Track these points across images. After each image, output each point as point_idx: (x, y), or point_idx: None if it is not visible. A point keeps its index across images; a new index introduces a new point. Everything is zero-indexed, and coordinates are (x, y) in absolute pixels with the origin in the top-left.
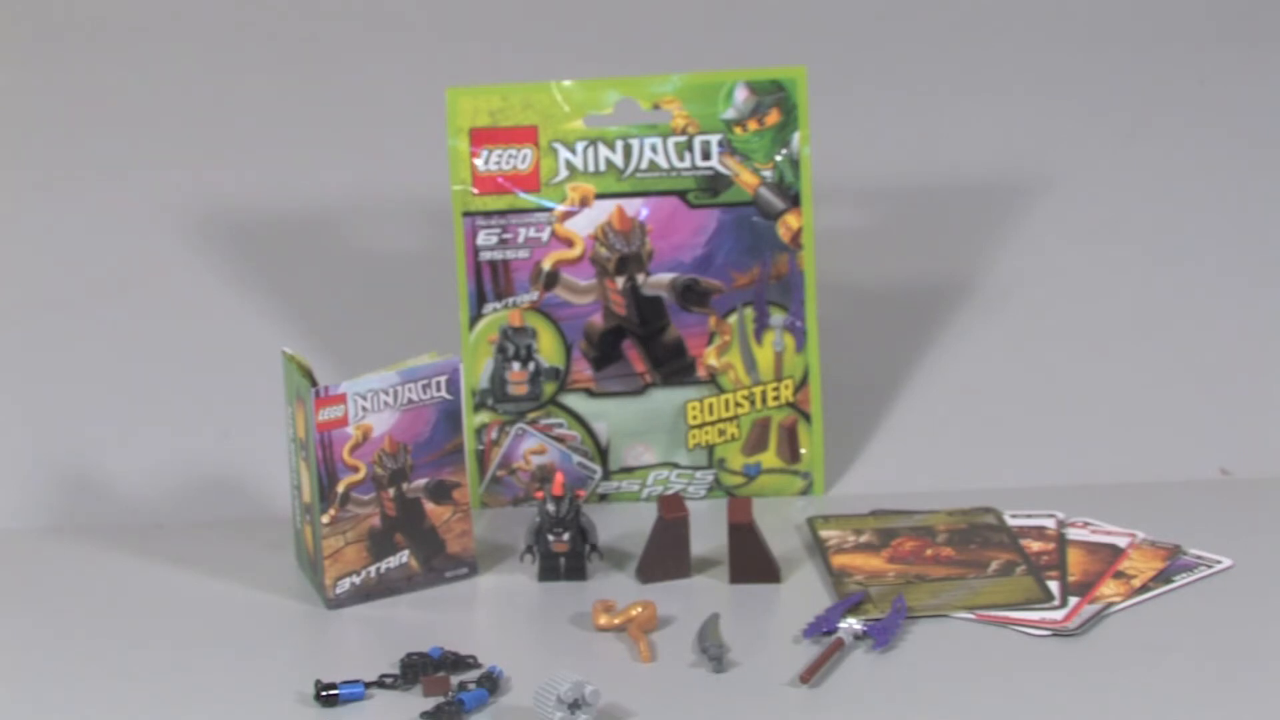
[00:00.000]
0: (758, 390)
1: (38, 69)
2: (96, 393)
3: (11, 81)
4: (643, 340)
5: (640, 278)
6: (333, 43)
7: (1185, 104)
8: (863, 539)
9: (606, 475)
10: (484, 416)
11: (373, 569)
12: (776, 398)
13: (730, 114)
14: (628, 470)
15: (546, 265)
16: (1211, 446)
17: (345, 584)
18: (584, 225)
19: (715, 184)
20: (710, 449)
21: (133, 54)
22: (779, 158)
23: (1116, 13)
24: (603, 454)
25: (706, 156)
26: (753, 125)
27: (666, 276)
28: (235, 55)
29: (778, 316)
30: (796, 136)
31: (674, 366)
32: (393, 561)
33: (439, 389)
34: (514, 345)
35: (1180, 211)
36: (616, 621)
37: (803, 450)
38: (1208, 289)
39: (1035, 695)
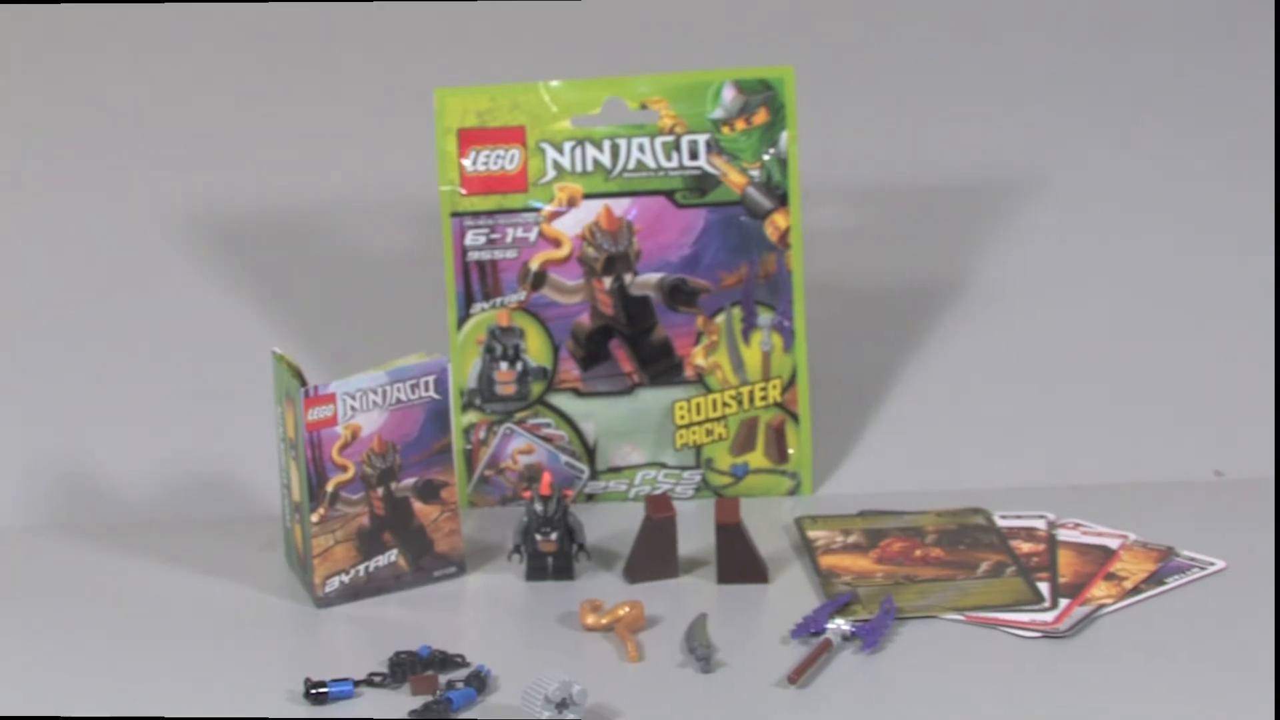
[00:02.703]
0: (745, 390)
1: (31, 71)
2: (87, 392)
3: (6, 83)
4: (630, 340)
5: (628, 278)
6: (321, 44)
7: (1177, 103)
8: (851, 539)
9: (594, 475)
10: (472, 416)
11: (361, 568)
12: (764, 397)
13: (718, 113)
14: (615, 470)
15: (534, 265)
16: (1204, 448)
17: (334, 583)
18: (571, 225)
19: (703, 183)
20: (698, 449)
21: (124, 56)
22: (766, 157)
23: (1108, 11)
24: (590, 454)
25: (694, 156)
26: (740, 125)
27: (654, 276)
28: (224, 58)
29: (765, 316)
30: (784, 136)
31: (661, 366)
32: (381, 560)
33: (427, 389)
34: (502, 345)
35: (1172, 212)
36: (604, 621)
37: (790, 450)
38: (1199, 289)
39: (1025, 697)
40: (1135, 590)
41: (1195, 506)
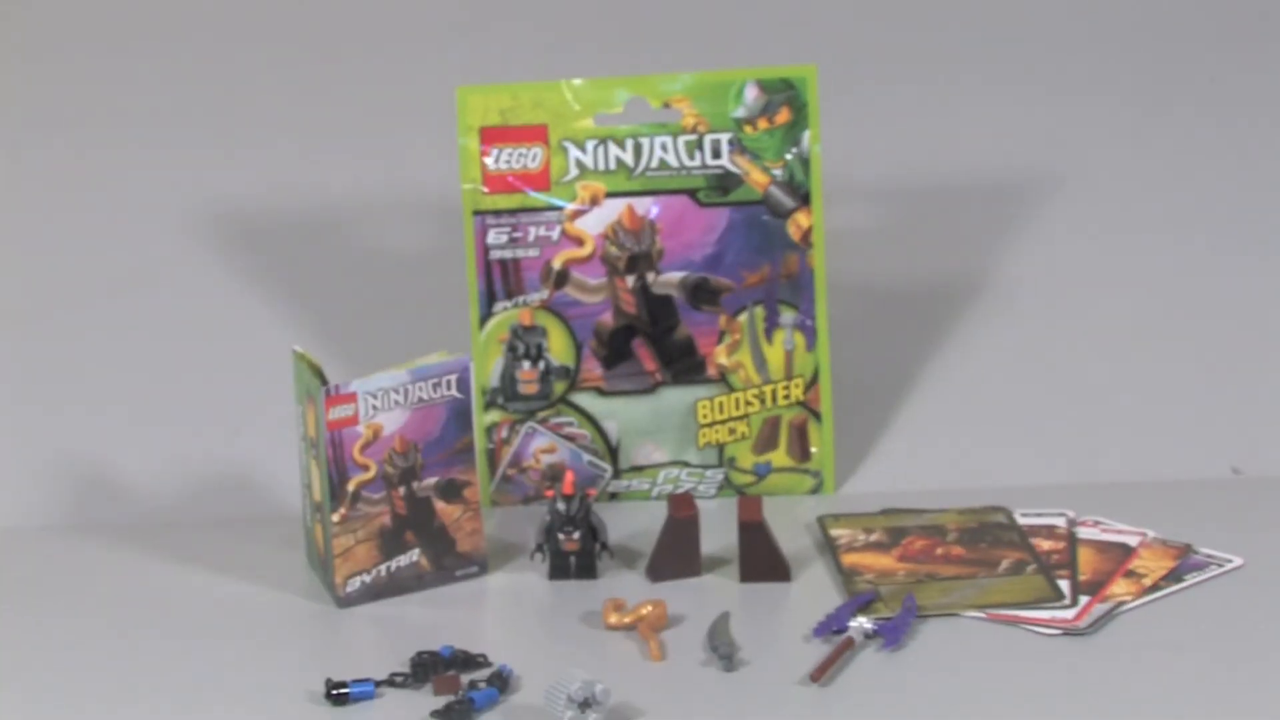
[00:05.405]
0: (768, 389)
1: (52, 64)
2: (108, 391)
3: (30, 80)
4: (653, 339)
5: (650, 276)
6: (343, 42)
7: (1195, 101)
8: (873, 538)
9: (617, 474)
10: (494, 415)
11: (383, 568)
12: (787, 396)
13: (740, 112)
14: (638, 469)
15: (557, 264)
16: (1222, 445)
17: (356, 582)
18: (594, 224)
19: (725, 182)
20: (720, 448)
21: (143, 52)
22: (789, 156)
23: (1126, 9)
24: (613, 453)
25: (717, 155)
26: (763, 124)
27: (677, 275)
28: (246, 54)
29: (788, 315)
30: (806, 135)
31: (684, 365)
32: (403, 560)
33: (449, 388)
34: (524, 344)
35: (1191, 209)
36: (627, 620)
37: (813, 449)
38: (1219, 287)
39: (1046, 694)
40: (1154, 587)
41: (1213, 504)
